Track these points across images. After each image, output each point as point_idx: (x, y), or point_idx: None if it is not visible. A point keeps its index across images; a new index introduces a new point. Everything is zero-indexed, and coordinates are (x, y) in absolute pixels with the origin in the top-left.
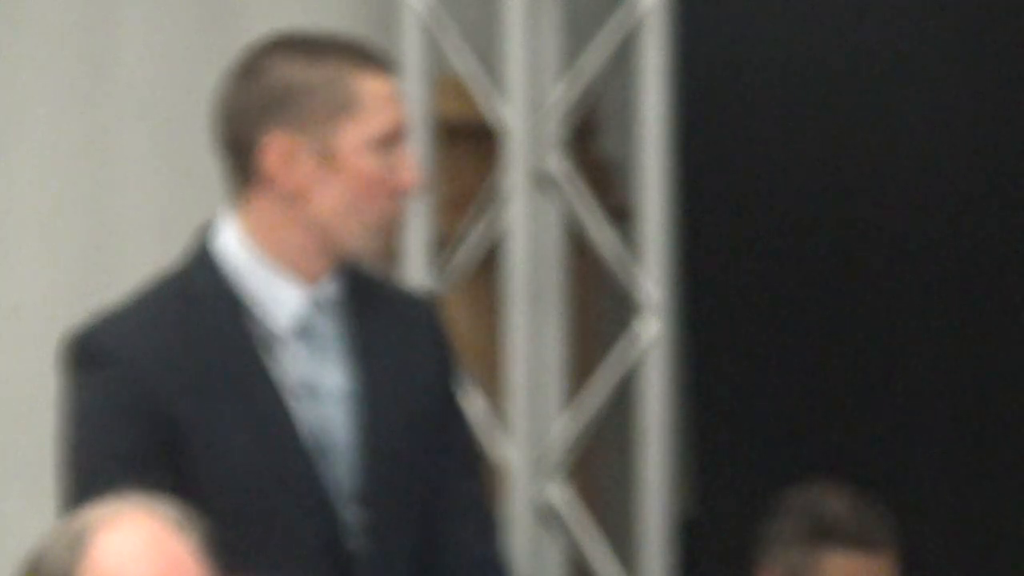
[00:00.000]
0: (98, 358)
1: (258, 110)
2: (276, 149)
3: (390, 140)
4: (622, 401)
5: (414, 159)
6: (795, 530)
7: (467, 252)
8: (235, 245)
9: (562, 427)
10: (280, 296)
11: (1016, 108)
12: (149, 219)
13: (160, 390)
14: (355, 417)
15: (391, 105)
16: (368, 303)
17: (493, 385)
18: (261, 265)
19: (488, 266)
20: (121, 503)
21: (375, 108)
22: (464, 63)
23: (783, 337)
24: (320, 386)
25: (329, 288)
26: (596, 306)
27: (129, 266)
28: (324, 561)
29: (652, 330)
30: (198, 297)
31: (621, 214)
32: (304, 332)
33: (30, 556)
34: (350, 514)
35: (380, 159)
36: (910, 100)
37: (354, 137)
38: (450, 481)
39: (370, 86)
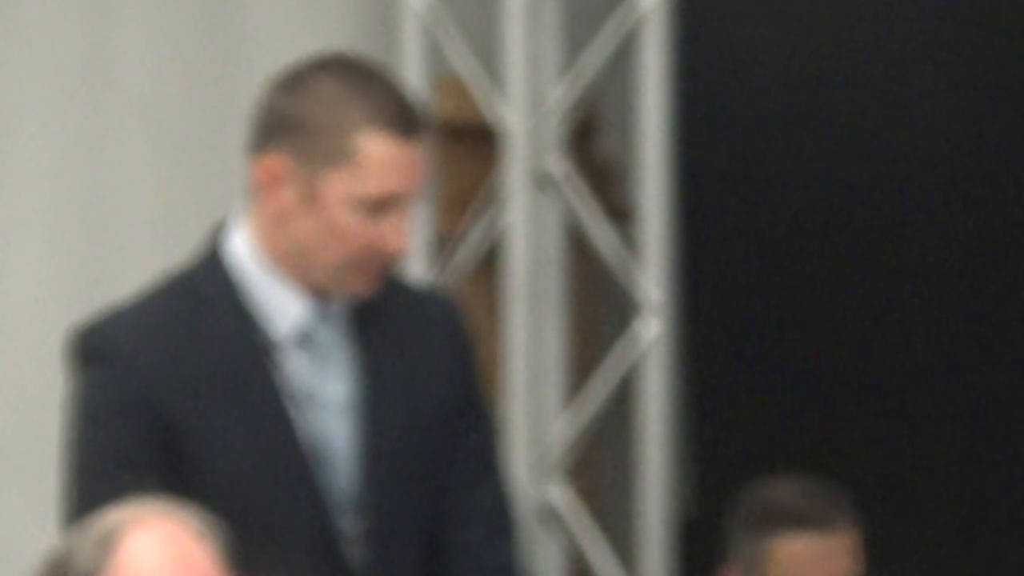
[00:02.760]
0: (101, 354)
1: (271, 125)
2: (268, 168)
3: (380, 204)
4: (622, 401)
5: (404, 228)
6: (744, 522)
7: (467, 252)
8: (244, 248)
9: (562, 427)
10: (282, 305)
11: (1017, 108)
12: (149, 219)
13: (160, 390)
14: (355, 427)
15: (393, 172)
16: (381, 309)
17: (493, 385)
18: (266, 271)
19: (488, 266)
20: (146, 507)
21: (372, 170)
22: (464, 63)
23: (783, 337)
24: (320, 395)
25: (336, 298)
26: (596, 306)
27: (129, 266)
28: (322, 569)
29: (652, 330)
30: (205, 299)
31: (621, 214)
32: (305, 341)
33: (52, 556)
34: (347, 523)
35: (364, 218)
36: (910, 100)
37: (340, 189)
38: (461, 489)
39: (376, 147)
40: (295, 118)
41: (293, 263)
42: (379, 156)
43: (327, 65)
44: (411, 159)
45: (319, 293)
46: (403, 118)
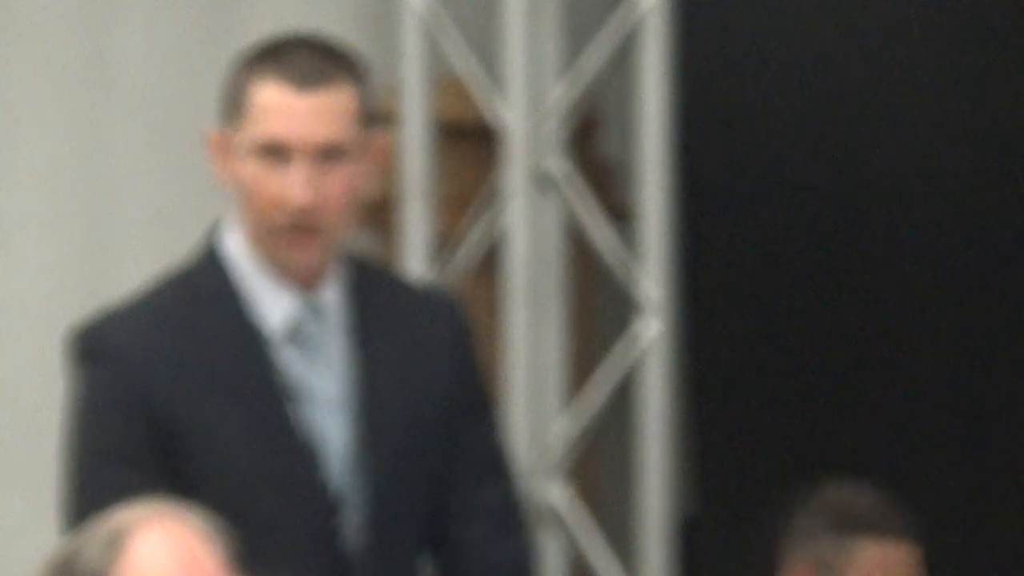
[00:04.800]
0: (99, 353)
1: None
2: (212, 141)
3: (272, 151)
4: (622, 401)
5: (306, 182)
6: (823, 523)
7: (467, 252)
8: (238, 245)
9: (562, 427)
10: (273, 300)
11: (1018, 108)
12: (149, 219)
13: (158, 388)
14: (349, 422)
15: (280, 118)
16: (381, 306)
17: (493, 385)
18: (258, 267)
19: (488, 266)
20: (153, 508)
21: (258, 116)
22: (464, 63)
23: (783, 337)
24: (313, 390)
25: (328, 293)
26: (596, 306)
27: (129, 266)
28: (320, 563)
29: (652, 330)
30: (202, 297)
31: (621, 214)
32: (296, 336)
33: (58, 556)
34: (344, 516)
35: (264, 168)
36: (911, 100)
37: (241, 139)
38: (468, 486)
39: (263, 94)
40: (223, 90)
41: (255, 243)
42: (266, 102)
43: (267, 40)
44: (301, 109)
45: (308, 285)
46: (295, 70)
